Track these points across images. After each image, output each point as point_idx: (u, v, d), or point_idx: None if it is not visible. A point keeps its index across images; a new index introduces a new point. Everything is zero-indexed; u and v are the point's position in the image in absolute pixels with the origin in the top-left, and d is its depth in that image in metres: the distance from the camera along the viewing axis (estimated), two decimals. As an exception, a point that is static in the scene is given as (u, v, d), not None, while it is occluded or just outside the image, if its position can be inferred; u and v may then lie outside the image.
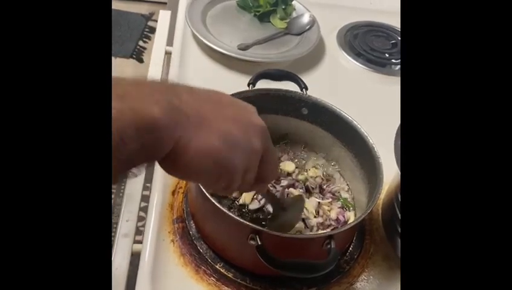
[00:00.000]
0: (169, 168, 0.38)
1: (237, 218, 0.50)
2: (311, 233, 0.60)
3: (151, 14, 2.34)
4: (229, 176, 0.39)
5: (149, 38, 2.22)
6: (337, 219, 0.63)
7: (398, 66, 0.97)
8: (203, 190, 0.51)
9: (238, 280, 0.56)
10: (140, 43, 2.19)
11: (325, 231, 0.60)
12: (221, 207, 0.50)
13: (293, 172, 0.68)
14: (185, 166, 0.37)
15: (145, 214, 0.63)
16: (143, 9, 2.36)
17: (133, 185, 0.67)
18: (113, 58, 2.04)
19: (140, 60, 2.10)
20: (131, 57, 2.10)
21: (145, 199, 0.66)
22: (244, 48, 0.91)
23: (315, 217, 0.62)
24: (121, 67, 2.00)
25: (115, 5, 2.22)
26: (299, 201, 0.60)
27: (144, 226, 0.61)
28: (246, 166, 0.40)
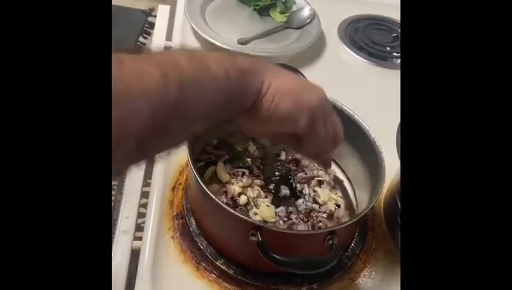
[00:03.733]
0: (251, 118, 0.42)
1: (238, 214, 0.49)
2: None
3: (151, 9, 2.32)
4: (309, 114, 0.43)
5: (149, 34, 2.21)
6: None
7: (400, 60, 0.96)
8: (203, 185, 0.50)
9: (239, 277, 0.56)
10: (141, 39, 2.18)
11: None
12: (221, 203, 0.50)
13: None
14: (266, 109, 0.41)
15: (146, 210, 0.62)
16: (142, 4, 2.35)
17: (133, 181, 0.67)
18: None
19: (141, 56, 2.09)
20: (131, 53, 2.09)
21: (146, 195, 0.65)
22: (243, 42, 0.90)
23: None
24: (121, 64, 1.99)
25: (114, 1, 2.20)
26: None
27: (144, 222, 0.61)
28: (323, 109, 0.44)
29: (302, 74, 0.68)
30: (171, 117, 0.34)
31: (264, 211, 0.58)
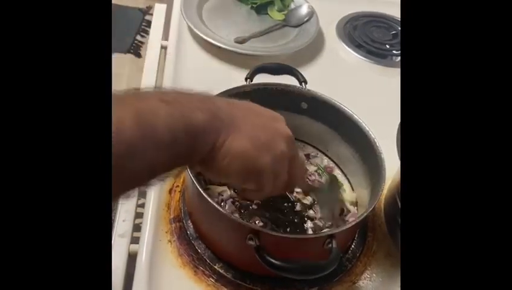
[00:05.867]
0: (203, 170, 0.42)
1: (235, 218, 0.48)
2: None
3: (149, 8, 2.31)
4: (257, 178, 0.42)
5: (147, 32, 2.20)
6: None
7: (400, 57, 0.95)
8: (200, 189, 0.50)
9: (238, 281, 0.55)
10: (138, 37, 2.17)
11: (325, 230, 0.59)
12: (218, 207, 0.49)
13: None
14: (217, 167, 0.40)
15: (143, 209, 0.61)
16: (140, 3, 2.34)
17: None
18: (110, 53, 2.01)
19: (138, 55, 2.08)
20: (128, 52, 2.08)
21: (143, 194, 0.64)
22: (241, 41, 0.89)
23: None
24: (119, 62, 1.98)
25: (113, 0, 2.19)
26: (333, 181, 0.63)
27: (141, 223, 0.60)
28: (274, 169, 0.42)
29: (300, 73, 0.66)
30: None
31: None
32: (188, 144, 0.37)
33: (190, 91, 0.40)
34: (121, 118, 0.33)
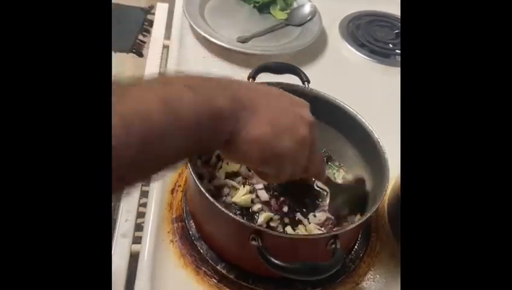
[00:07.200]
0: (224, 153, 0.43)
1: (237, 218, 0.48)
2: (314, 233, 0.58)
3: (151, 7, 2.30)
4: (276, 163, 0.42)
5: (148, 32, 2.19)
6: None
7: (403, 57, 0.95)
8: (201, 188, 0.49)
9: (240, 282, 0.54)
10: (140, 37, 2.17)
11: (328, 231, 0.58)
12: (220, 206, 0.48)
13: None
14: (236, 151, 0.40)
15: (145, 209, 0.61)
16: (142, 2, 2.33)
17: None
18: (112, 52, 2.01)
19: (140, 54, 2.08)
20: (130, 51, 2.08)
21: (145, 194, 0.64)
22: (243, 40, 0.88)
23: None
24: (121, 62, 1.98)
25: (113, -1, 2.19)
26: (358, 186, 0.61)
27: (143, 222, 0.60)
28: (294, 154, 0.42)
29: (303, 73, 0.66)
30: (133, 167, 0.34)
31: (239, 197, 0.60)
32: (211, 129, 0.38)
33: (212, 76, 0.41)
34: (149, 104, 0.34)
